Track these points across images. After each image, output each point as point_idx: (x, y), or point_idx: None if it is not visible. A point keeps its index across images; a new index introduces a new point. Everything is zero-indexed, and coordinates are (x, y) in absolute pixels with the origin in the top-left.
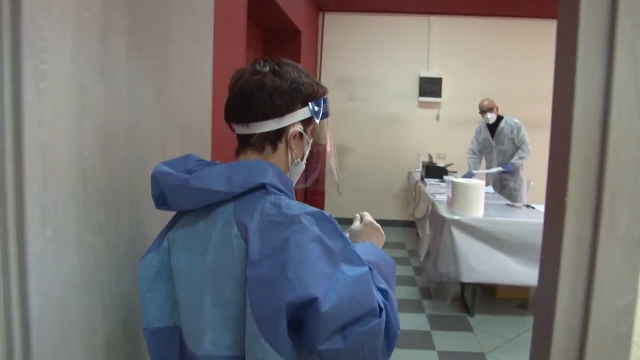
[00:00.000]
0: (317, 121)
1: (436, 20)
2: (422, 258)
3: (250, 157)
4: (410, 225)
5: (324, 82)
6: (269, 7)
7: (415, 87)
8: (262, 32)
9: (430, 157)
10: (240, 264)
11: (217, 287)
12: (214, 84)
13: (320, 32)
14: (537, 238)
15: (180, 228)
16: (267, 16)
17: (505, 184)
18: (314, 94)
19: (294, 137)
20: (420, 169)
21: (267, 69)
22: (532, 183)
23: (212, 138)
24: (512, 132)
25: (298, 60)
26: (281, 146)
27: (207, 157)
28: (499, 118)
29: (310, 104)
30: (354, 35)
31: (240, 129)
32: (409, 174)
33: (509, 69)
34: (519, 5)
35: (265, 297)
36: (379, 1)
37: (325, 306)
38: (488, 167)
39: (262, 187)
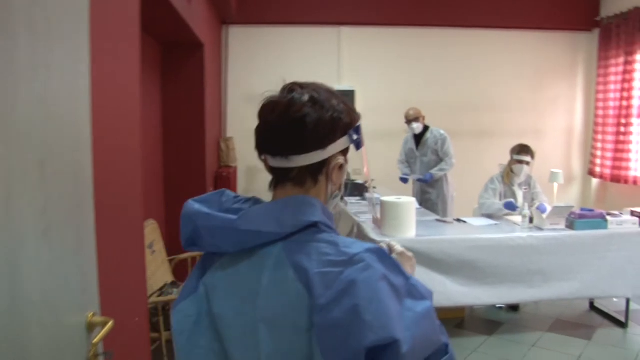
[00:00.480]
0: (357, 150)
1: (346, 31)
2: None
3: (291, 192)
4: None
5: (231, 99)
6: (168, 17)
7: None
8: (161, 45)
9: (348, 173)
10: (301, 310)
11: (275, 336)
12: (94, 102)
13: (224, 46)
14: (473, 254)
15: (218, 271)
16: (166, 27)
17: (427, 198)
18: (352, 122)
19: (335, 169)
20: None
21: (306, 97)
22: (454, 194)
23: (93, 176)
24: (436, 143)
25: (202, 76)
26: (321, 179)
27: (88, 201)
28: (426, 128)
29: (349, 132)
30: (260, 49)
31: (278, 162)
32: None
33: (426, 78)
34: (432, 14)
35: (340, 343)
36: (285, 13)
37: (405, 347)
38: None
39: (313, 225)
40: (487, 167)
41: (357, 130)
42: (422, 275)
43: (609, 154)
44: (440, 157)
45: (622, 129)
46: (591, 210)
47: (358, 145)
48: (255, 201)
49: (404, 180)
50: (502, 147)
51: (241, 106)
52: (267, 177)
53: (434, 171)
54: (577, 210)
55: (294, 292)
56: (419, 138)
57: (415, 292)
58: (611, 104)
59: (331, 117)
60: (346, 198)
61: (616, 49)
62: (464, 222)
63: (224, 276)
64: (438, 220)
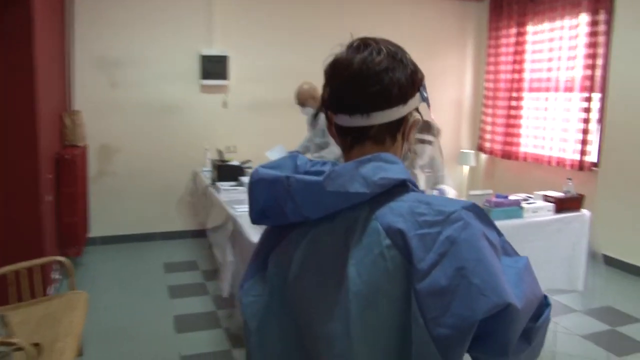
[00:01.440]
0: (428, 106)
1: None
2: (225, 294)
3: (369, 152)
4: (201, 235)
5: (79, 65)
6: None
7: (195, 68)
8: None
9: (220, 152)
10: (396, 278)
11: (367, 308)
12: None
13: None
14: None
15: (292, 244)
16: None
17: None
18: (422, 78)
19: (413, 125)
20: (208, 168)
21: (385, 51)
22: None
23: None
24: (326, 123)
25: (28, 32)
26: (399, 136)
27: None
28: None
29: (420, 88)
30: (115, 5)
31: (357, 121)
32: (195, 175)
33: (312, 47)
34: None
35: (447, 311)
36: None
37: (518, 309)
38: None
39: (402, 184)
40: None
41: (425, 87)
42: None
43: (500, 129)
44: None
45: (513, 103)
46: (505, 197)
47: (428, 101)
48: (334, 164)
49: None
50: None
51: (92, 74)
52: (127, 159)
53: (314, 156)
54: (493, 198)
55: (389, 259)
56: (316, 113)
57: (509, 248)
58: (502, 76)
59: (410, 71)
60: (218, 183)
61: (507, 19)
62: None
63: (300, 248)
64: None
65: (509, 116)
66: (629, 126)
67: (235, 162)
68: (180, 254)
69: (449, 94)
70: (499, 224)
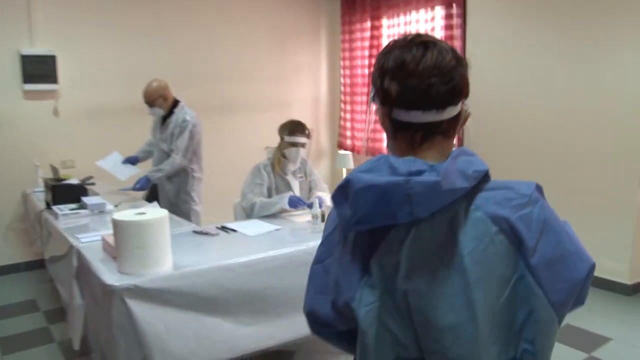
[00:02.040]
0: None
1: None
2: (76, 346)
3: (440, 145)
4: (39, 265)
5: None
6: None
7: (15, 70)
8: None
9: (54, 169)
10: (508, 260)
11: (487, 295)
12: None
13: None
14: (260, 281)
15: (395, 246)
16: None
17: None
18: None
19: (466, 118)
20: (41, 188)
21: (448, 49)
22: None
23: None
24: (175, 128)
25: None
26: (458, 129)
27: None
28: (176, 105)
29: None
30: None
31: (430, 116)
32: (25, 197)
33: (157, 45)
34: None
35: (559, 278)
36: None
37: (594, 266)
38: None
39: (486, 175)
40: (232, 149)
41: None
42: (189, 323)
43: (360, 125)
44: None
45: None
46: None
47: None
48: (415, 160)
49: (130, 161)
50: (247, 124)
51: None
52: None
53: (150, 173)
54: None
55: (498, 243)
56: (166, 117)
57: None
58: (359, 71)
59: (466, 68)
60: (55, 207)
61: (361, 13)
62: (234, 230)
63: (405, 248)
64: (196, 233)
65: (369, 112)
66: (486, 120)
67: (74, 180)
68: (13, 293)
69: (305, 92)
70: None
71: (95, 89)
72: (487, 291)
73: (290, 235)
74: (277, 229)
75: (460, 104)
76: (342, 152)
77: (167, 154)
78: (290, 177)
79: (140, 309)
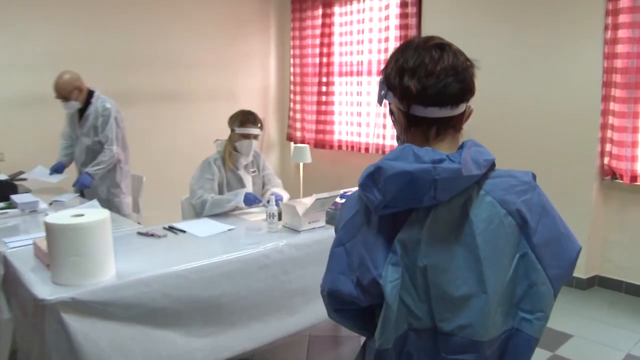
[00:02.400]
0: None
1: None
2: None
3: (452, 138)
4: None
5: None
6: None
7: None
8: None
9: None
10: (512, 239)
11: (497, 270)
12: None
13: None
14: (213, 288)
15: (416, 226)
16: None
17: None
18: None
19: (469, 114)
20: None
21: (460, 51)
22: (144, 179)
23: None
24: (97, 119)
25: None
26: (464, 123)
27: None
28: (91, 94)
29: None
30: None
31: (445, 112)
32: None
33: (89, 25)
34: None
35: (557, 256)
36: None
37: (581, 249)
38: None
39: (493, 164)
40: (179, 140)
41: None
42: (136, 338)
43: (311, 117)
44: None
45: (324, 89)
46: None
47: None
48: (434, 149)
49: (57, 170)
50: (194, 114)
51: None
52: None
53: (91, 169)
54: (339, 199)
55: (507, 225)
56: (83, 110)
57: None
58: (309, 60)
59: (474, 67)
60: None
61: (312, 1)
62: (182, 231)
63: (425, 229)
64: (140, 234)
65: (319, 102)
66: None
67: (2, 176)
68: None
69: (254, 81)
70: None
71: (26, 73)
72: (496, 267)
73: (245, 237)
74: (230, 229)
75: (470, 99)
76: (299, 145)
77: (92, 149)
78: (242, 172)
79: (79, 325)
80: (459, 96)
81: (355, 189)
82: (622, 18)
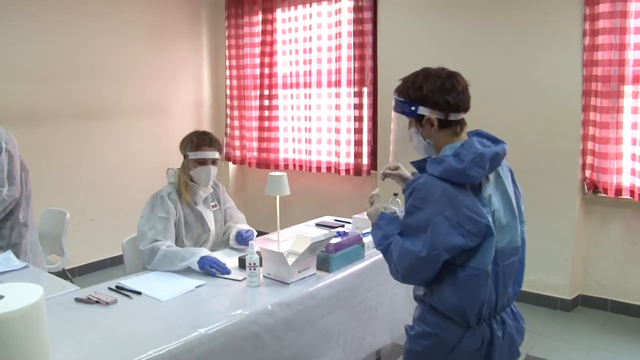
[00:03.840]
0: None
1: None
2: None
3: (464, 134)
4: None
5: None
6: None
7: None
8: None
9: None
10: (512, 184)
11: (514, 204)
12: None
13: None
14: None
15: (487, 187)
16: None
17: None
18: None
19: None
20: None
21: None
22: (67, 216)
23: None
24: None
25: None
26: None
27: None
28: None
29: None
30: None
31: (464, 115)
32: None
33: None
34: None
35: (522, 196)
36: None
37: None
38: None
39: None
40: (106, 162)
41: None
42: None
43: (251, 134)
44: None
45: (266, 103)
46: (345, 234)
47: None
48: (479, 141)
49: None
50: (123, 131)
51: None
52: None
53: None
54: (336, 239)
55: (510, 177)
56: None
57: None
58: (248, 71)
59: None
60: None
61: (250, 4)
62: (136, 292)
63: (490, 189)
64: (80, 301)
65: (262, 118)
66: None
67: None
68: None
69: (185, 96)
70: (341, 276)
71: None
72: (514, 201)
73: (221, 296)
74: (198, 286)
75: None
76: (274, 173)
77: None
78: (201, 207)
79: None
80: (469, 104)
81: (322, 218)
82: (602, 23)
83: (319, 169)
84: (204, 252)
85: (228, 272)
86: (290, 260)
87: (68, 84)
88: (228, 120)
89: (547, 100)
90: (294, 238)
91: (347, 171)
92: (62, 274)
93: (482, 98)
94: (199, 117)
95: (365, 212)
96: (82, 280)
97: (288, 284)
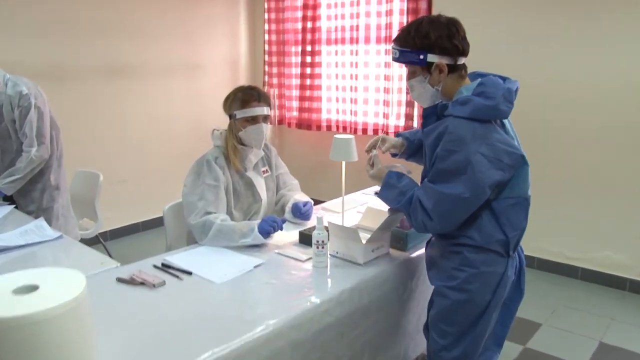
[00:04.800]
0: None
1: None
2: None
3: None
4: None
5: None
6: None
7: None
8: None
9: None
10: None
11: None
12: None
13: None
14: None
15: (505, 122)
16: None
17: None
18: None
19: None
20: None
21: None
22: (101, 178)
23: None
24: (13, 110)
25: None
26: None
27: None
28: None
29: None
30: None
31: (465, 59)
32: None
33: None
34: None
35: None
36: None
37: None
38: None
39: None
40: (132, 125)
41: None
42: None
43: (291, 93)
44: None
45: (308, 60)
46: None
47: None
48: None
49: None
50: (149, 92)
51: None
52: None
53: (4, 183)
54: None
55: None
56: None
57: None
58: (289, 26)
59: None
60: None
61: None
62: (187, 272)
63: (507, 123)
64: (121, 281)
65: (303, 76)
66: None
67: None
68: None
69: (220, 53)
70: (416, 255)
71: None
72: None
73: (285, 279)
74: (256, 266)
75: None
76: (340, 136)
77: (9, 150)
78: (252, 174)
79: None
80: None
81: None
82: None
83: (365, 131)
84: (256, 223)
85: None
86: (364, 237)
87: (96, 42)
88: (266, 77)
89: (623, 81)
90: (364, 211)
91: (397, 134)
92: (96, 240)
93: (569, 101)
94: (234, 75)
95: (369, 174)
96: (116, 246)
97: (361, 264)
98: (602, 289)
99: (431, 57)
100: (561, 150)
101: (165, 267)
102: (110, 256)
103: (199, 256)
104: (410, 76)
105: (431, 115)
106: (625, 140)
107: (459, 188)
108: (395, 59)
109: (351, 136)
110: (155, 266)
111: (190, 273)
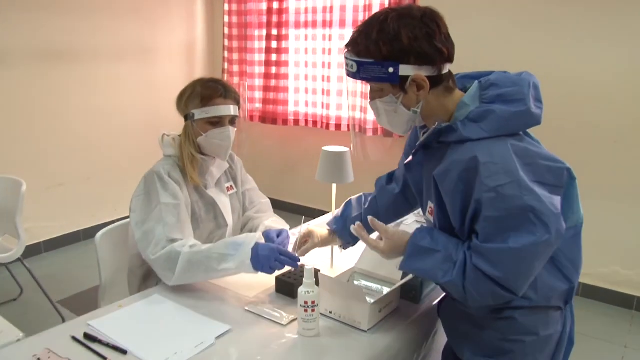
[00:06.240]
0: None
1: None
2: None
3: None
4: None
5: None
6: None
7: None
8: None
9: None
10: None
11: None
12: None
13: None
14: None
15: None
16: None
17: None
18: None
19: None
20: None
21: None
22: (23, 187)
23: None
24: None
25: None
26: None
27: None
28: None
29: None
30: None
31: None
32: None
33: None
34: None
35: None
36: None
37: None
38: None
39: None
40: (73, 118)
41: None
42: None
43: (253, 82)
44: None
45: (274, 45)
46: None
47: None
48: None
49: None
50: (95, 79)
51: None
52: None
53: None
54: None
55: None
56: None
57: None
58: (253, 6)
59: None
60: None
61: None
62: (121, 351)
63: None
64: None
65: (268, 63)
66: None
67: None
68: None
69: (174, 37)
70: (427, 306)
71: None
72: None
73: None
74: (219, 336)
75: None
76: (331, 148)
77: None
78: (214, 192)
79: None
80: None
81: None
82: None
83: (338, 126)
84: (254, 238)
85: (297, 261)
86: (370, 297)
87: (25, 18)
88: (226, 65)
89: None
90: (363, 251)
91: (375, 130)
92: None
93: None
94: (190, 61)
95: (382, 255)
96: (47, 262)
97: (365, 331)
98: (606, 308)
99: (404, 70)
100: (562, 153)
101: (89, 341)
102: (35, 280)
103: (142, 319)
104: (375, 95)
105: (425, 147)
106: (634, 142)
107: (535, 232)
108: (351, 75)
109: (346, 149)
110: (74, 338)
111: (124, 352)
